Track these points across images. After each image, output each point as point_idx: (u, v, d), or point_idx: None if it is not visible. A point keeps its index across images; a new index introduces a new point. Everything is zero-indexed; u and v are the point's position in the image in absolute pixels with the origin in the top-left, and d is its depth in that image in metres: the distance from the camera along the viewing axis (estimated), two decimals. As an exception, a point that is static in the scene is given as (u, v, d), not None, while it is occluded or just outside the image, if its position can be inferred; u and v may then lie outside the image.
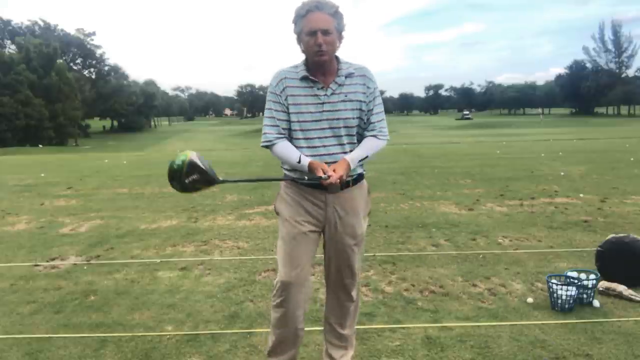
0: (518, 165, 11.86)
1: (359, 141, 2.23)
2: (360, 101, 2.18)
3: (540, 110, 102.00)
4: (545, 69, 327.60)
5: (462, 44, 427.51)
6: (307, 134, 2.16)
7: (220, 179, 2.13)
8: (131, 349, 2.79)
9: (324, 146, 2.16)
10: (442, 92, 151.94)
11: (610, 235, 3.76)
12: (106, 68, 77.47)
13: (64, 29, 75.07)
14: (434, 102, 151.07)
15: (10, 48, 61.35)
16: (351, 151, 2.18)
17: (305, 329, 2.38)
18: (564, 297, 3.10)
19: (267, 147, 2.20)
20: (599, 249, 3.68)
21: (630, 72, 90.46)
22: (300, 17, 2.10)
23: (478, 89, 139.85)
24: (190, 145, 38.42)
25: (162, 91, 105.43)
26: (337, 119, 2.15)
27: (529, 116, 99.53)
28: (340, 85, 2.16)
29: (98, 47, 75.51)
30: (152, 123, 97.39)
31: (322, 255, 2.38)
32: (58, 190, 9.54)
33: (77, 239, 5.45)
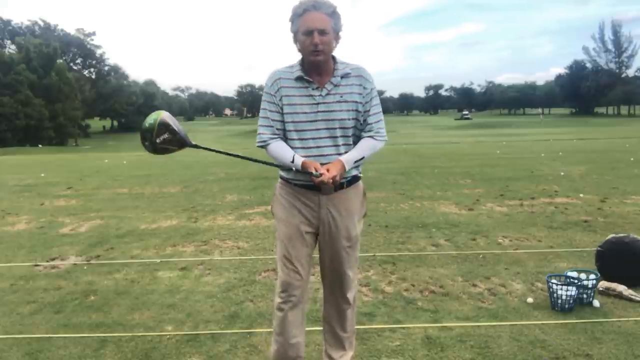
0: (518, 165, 11.86)
1: (356, 142, 2.21)
2: (356, 102, 2.16)
3: (540, 110, 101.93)
4: (545, 69, 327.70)
5: (462, 44, 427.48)
6: (301, 134, 2.14)
7: (193, 143, 2.16)
8: (131, 349, 2.79)
9: (318, 147, 2.14)
10: (442, 92, 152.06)
11: (610, 235, 3.76)
12: (106, 68, 77.42)
13: (64, 29, 75.13)
14: (434, 102, 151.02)
15: (10, 48, 61.34)
16: (346, 152, 2.16)
17: (305, 329, 2.37)
18: (564, 297, 3.10)
19: (261, 147, 2.20)
20: (599, 249, 3.68)
21: (630, 72, 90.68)
22: (297, 16, 2.09)
23: (478, 89, 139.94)
24: (190, 145, 38.44)
25: (162, 91, 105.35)
26: (333, 119, 2.13)
27: (529, 116, 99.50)
28: (335, 85, 2.14)
29: (98, 47, 75.56)
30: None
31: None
32: (58, 190, 9.55)
33: (77, 239, 5.45)
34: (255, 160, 2.27)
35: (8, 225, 6.36)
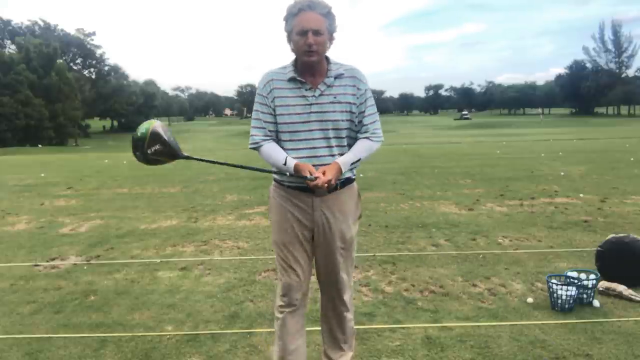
0: (518, 165, 11.86)
1: (350, 144, 2.18)
2: (350, 103, 2.13)
3: (540, 110, 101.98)
4: (545, 69, 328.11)
5: (462, 44, 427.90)
6: (294, 135, 2.12)
7: (185, 154, 2.15)
8: (131, 349, 2.79)
9: (311, 148, 2.11)
10: (442, 92, 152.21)
11: (610, 235, 3.76)
12: (106, 68, 77.41)
13: (64, 29, 75.10)
14: (434, 102, 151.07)
15: (10, 48, 61.33)
16: (340, 154, 2.14)
17: (305, 329, 2.37)
18: (564, 297, 3.10)
19: (254, 149, 2.18)
20: (599, 249, 3.68)
21: (630, 72, 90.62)
22: (292, 15, 2.06)
23: (478, 89, 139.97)
24: (190, 145, 38.35)
25: (162, 91, 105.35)
26: (326, 120, 2.10)
27: (529, 116, 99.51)
28: (329, 86, 2.12)
29: (98, 47, 75.54)
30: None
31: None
32: (58, 190, 9.55)
33: (77, 239, 5.45)
34: (248, 168, 2.27)
35: (8, 225, 6.36)
